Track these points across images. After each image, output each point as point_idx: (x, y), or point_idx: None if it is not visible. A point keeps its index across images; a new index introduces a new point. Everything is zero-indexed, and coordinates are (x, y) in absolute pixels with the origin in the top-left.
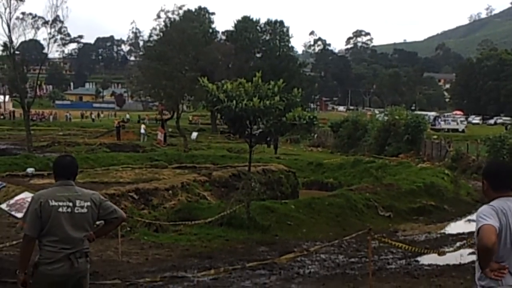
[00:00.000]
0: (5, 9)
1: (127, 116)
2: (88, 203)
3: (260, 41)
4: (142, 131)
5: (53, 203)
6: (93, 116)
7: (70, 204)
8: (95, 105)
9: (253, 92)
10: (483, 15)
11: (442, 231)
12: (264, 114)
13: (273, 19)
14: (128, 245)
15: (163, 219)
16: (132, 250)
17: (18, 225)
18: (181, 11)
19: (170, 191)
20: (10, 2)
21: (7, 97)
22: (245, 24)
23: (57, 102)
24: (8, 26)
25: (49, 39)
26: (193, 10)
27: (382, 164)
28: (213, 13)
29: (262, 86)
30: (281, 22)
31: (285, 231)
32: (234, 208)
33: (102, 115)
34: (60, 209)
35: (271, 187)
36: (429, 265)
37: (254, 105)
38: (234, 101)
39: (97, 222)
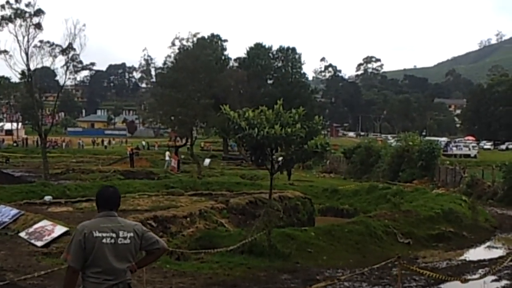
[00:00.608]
0: (24, 37)
1: (143, 143)
2: (131, 234)
3: (272, 67)
4: (167, 158)
5: (97, 234)
6: (105, 143)
7: (114, 235)
8: (106, 132)
9: (275, 120)
10: (493, 41)
11: (463, 257)
12: (286, 142)
13: (285, 46)
14: (151, 274)
15: (184, 247)
16: (156, 278)
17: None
18: (195, 39)
19: (188, 219)
20: (29, 31)
21: (19, 124)
22: (257, 51)
23: (69, 129)
24: (27, 54)
25: (67, 67)
26: (206, 37)
27: (398, 190)
28: (225, 40)
29: (283, 113)
30: (293, 49)
31: (306, 259)
32: (256, 235)
33: (113, 142)
34: (104, 240)
35: (288, 214)
36: None
37: (276, 132)
38: (256, 129)
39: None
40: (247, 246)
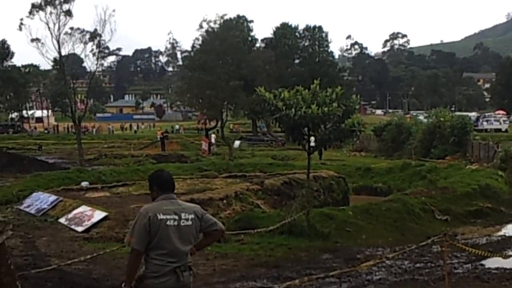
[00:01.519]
0: (54, 24)
1: (177, 126)
2: (192, 216)
3: (299, 47)
4: (213, 140)
5: (161, 216)
6: (135, 128)
7: (176, 217)
8: (135, 116)
9: (311, 100)
10: None
11: (502, 233)
12: (323, 121)
13: (311, 25)
14: (193, 257)
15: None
16: (198, 261)
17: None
18: (222, 21)
19: (225, 201)
20: (59, 18)
21: (49, 111)
22: (284, 30)
23: (98, 115)
24: (58, 41)
25: (98, 53)
26: (232, 18)
27: (432, 167)
28: (251, 21)
29: (319, 93)
30: (320, 28)
31: (345, 238)
32: (295, 216)
33: (142, 127)
34: (168, 223)
35: (323, 194)
36: (496, 268)
37: (313, 112)
38: (293, 109)
39: None
40: (286, 227)
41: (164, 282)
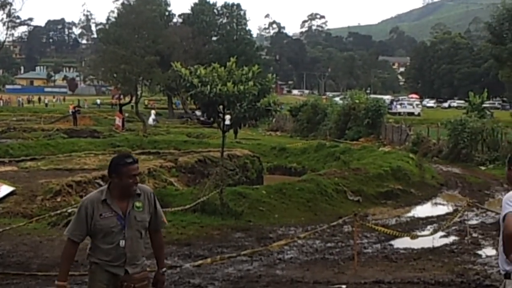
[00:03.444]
0: None
1: (98, 101)
2: None
3: (217, 24)
4: (153, 116)
5: None
6: (46, 101)
7: None
8: (46, 89)
9: (227, 77)
10: None
11: (411, 214)
12: (239, 99)
13: (230, 2)
14: None
15: None
16: None
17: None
18: None
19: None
20: None
21: None
22: (202, 7)
23: (7, 86)
24: None
25: (8, 22)
26: None
27: (346, 148)
28: None
29: (236, 71)
30: (238, 5)
31: (258, 217)
32: (209, 194)
33: (54, 100)
34: None
35: (237, 173)
36: (404, 249)
37: (228, 90)
38: (208, 86)
39: None
40: (199, 205)
41: None
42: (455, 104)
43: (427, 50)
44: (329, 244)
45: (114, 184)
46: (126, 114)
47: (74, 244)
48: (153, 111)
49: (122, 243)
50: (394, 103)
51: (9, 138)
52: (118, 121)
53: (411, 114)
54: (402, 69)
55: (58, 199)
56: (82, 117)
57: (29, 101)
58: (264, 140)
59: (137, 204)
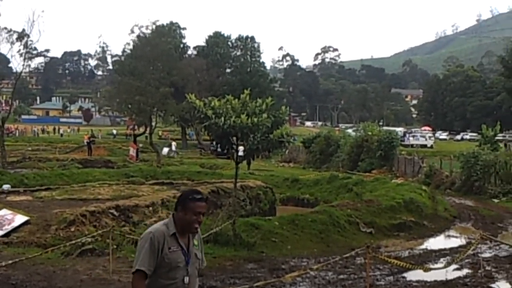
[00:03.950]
0: None
1: (114, 131)
2: None
3: (231, 56)
4: (173, 148)
5: None
6: (61, 131)
7: None
8: (62, 119)
9: (241, 109)
10: (449, 32)
11: (424, 247)
12: (252, 131)
13: (244, 35)
14: (116, 263)
15: None
16: (121, 268)
17: None
18: (154, 26)
19: (151, 208)
20: None
21: None
22: (216, 39)
23: (23, 116)
24: None
25: (25, 53)
26: (165, 25)
27: (359, 180)
28: (184, 28)
29: (249, 103)
30: (252, 38)
31: (271, 248)
32: (221, 225)
33: (68, 130)
34: None
35: (250, 203)
36: (417, 281)
37: (242, 122)
38: (222, 118)
39: None
40: (212, 236)
41: None
42: (467, 137)
43: (440, 83)
44: (341, 276)
45: (178, 218)
46: (140, 145)
47: (145, 277)
48: (173, 143)
49: (186, 279)
50: (407, 135)
51: (24, 168)
52: (132, 152)
53: (424, 146)
54: (414, 102)
55: (72, 229)
56: (97, 147)
57: (43, 131)
58: (277, 171)
59: (195, 242)
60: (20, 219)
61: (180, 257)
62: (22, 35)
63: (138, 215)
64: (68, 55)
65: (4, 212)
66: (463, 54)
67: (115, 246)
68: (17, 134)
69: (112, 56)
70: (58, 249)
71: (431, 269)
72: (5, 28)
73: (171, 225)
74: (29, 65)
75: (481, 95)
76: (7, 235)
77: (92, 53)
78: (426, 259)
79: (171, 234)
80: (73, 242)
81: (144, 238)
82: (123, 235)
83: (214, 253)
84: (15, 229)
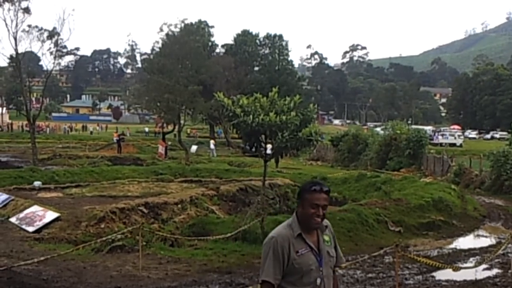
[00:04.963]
0: (12, 21)
1: (146, 129)
2: None
3: (259, 54)
4: (212, 146)
5: None
6: (91, 129)
7: None
8: (91, 117)
9: (269, 107)
10: (479, 30)
11: (453, 246)
12: (280, 129)
13: (272, 33)
14: (145, 260)
15: (177, 233)
16: (151, 265)
17: None
18: (182, 25)
19: (179, 205)
20: (17, 15)
21: (4, 109)
22: (245, 37)
23: (54, 114)
24: (15, 38)
25: (56, 51)
26: (193, 23)
27: (387, 178)
28: (212, 27)
29: (278, 101)
30: (280, 36)
31: None
32: (249, 223)
33: (98, 128)
34: None
35: (278, 201)
36: (446, 281)
37: (271, 120)
38: (251, 116)
39: None
40: (240, 233)
41: None
42: (497, 136)
43: (469, 81)
44: (370, 275)
45: (299, 214)
46: (169, 143)
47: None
48: (212, 141)
49: (318, 281)
50: (436, 134)
51: (55, 165)
52: (161, 149)
53: (453, 145)
54: (443, 100)
55: (102, 226)
56: (126, 145)
57: (71, 129)
58: (305, 169)
59: (326, 237)
60: (51, 215)
61: (311, 259)
62: (52, 34)
63: (167, 212)
64: (97, 54)
65: (35, 208)
66: (493, 52)
67: (144, 243)
68: (47, 132)
69: (141, 54)
70: (88, 246)
71: (460, 268)
72: (36, 26)
73: (295, 225)
74: (60, 63)
75: (511, 94)
76: (38, 231)
77: (121, 51)
78: (455, 258)
79: (296, 235)
80: (103, 238)
81: (267, 245)
82: (152, 232)
83: (243, 250)
84: (46, 225)
